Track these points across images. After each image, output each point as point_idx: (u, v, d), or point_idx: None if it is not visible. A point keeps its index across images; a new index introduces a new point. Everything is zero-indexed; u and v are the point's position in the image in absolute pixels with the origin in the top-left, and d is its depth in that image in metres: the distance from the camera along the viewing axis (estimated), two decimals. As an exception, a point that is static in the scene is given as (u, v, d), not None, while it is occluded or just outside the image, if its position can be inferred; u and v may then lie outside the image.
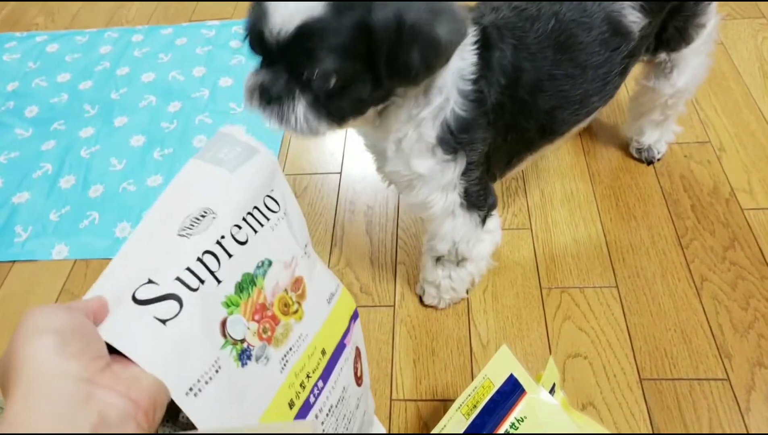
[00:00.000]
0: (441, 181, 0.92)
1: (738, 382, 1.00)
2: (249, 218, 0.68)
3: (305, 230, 0.77)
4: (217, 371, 0.59)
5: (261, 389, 0.67)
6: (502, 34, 0.89)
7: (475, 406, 0.81)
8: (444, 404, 1.03)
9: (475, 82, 0.85)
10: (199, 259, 0.60)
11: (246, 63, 1.79)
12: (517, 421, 0.81)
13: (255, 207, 0.69)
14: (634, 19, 0.95)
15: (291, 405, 0.71)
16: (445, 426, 0.79)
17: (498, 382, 0.82)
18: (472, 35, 0.85)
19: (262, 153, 0.72)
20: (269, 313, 0.69)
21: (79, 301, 0.52)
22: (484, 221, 1.01)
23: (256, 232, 0.68)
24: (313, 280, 0.79)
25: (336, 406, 0.80)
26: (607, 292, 1.16)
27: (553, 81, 0.93)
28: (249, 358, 0.65)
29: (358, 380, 0.88)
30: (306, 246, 0.79)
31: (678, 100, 1.23)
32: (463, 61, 0.85)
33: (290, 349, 0.72)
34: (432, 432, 0.78)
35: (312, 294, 0.78)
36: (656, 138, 1.34)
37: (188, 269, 0.59)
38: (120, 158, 1.55)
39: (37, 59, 1.91)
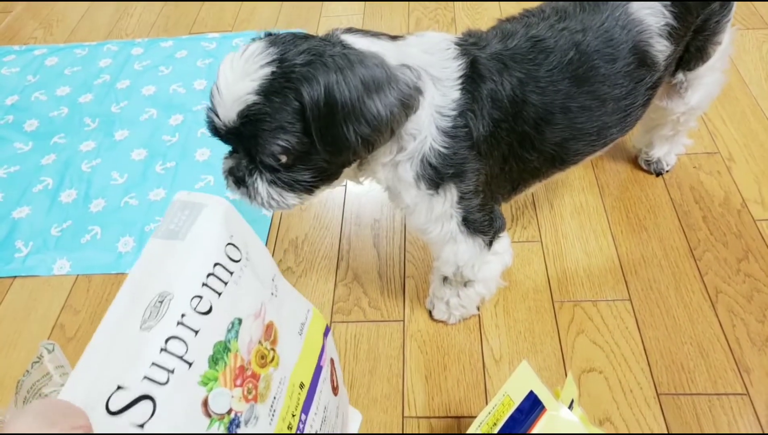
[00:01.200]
0: (431, 213, 0.90)
1: (758, 396, 0.99)
2: (210, 281, 0.65)
3: (269, 260, 0.75)
4: None
5: None
6: (505, 66, 0.86)
7: (495, 424, 0.79)
8: (458, 421, 1.01)
9: (457, 117, 0.83)
10: (164, 350, 0.58)
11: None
12: (538, 439, 0.79)
13: (216, 264, 0.66)
14: (661, 48, 0.93)
15: None
16: (465, 445, 0.77)
17: (518, 399, 0.80)
18: (457, 69, 0.83)
19: (210, 204, 0.70)
20: (249, 373, 0.67)
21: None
22: (490, 244, 0.98)
23: (219, 294, 0.65)
24: (282, 319, 0.77)
25: (321, 428, 0.80)
26: (621, 305, 1.14)
27: (567, 114, 0.90)
28: (238, 425, 0.63)
29: (335, 390, 0.87)
30: (273, 279, 0.77)
31: (690, 117, 1.22)
32: (444, 97, 0.83)
33: (275, 398, 0.71)
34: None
35: (284, 335, 0.76)
36: (666, 151, 1.33)
37: (154, 364, 0.57)
38: (121, 172, 1.53)
39: (36, 73, 1.89)
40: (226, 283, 0.66)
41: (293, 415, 0.74)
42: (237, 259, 0.69)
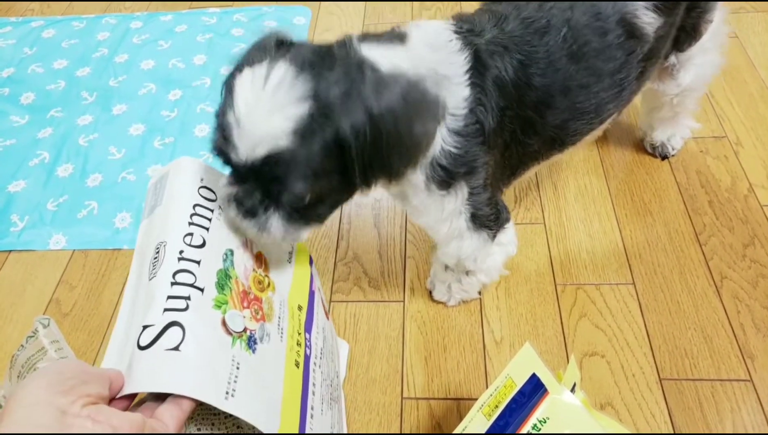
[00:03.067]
0: (441, 213, 0.88)
1: (762, 383, 0.98)
2: (195, 220, 0.70)
3: None
4: (237, 367, 0.62)
5: (275, 363, 0.71)
6: (506, 49, 0.83)
7: (496, 407, 0.78)
8: (457, 403, 1.00)
9: (468, 114, 0.80)
10: (174, 283, 0.63)
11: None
12: (540, 422, 0.78)
13: (195, 205, 0.72)
14: (648, 20, 0.91)
15: (297, 365, 0.76)
16: (466, 427, 0.76)
17: (520, 382, 0.79)
18: (464, 62, 0.79)
19: (173, 166, 0.76)
20: (251, 296, 0.73)
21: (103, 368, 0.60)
22: (495, 236, 0.96)
23: (207, 229, 0.71)
24: (269, 248, 0.83)
25: (323, 347, 0.86)
26: (624, 289, 1.12)
27: (567, 94, 0.87)
28: (255, 342, 0.68)
29: (327, 315, 0.94)
30: None
31: (685, 99, 1.20)
32: (454, 96, 0.79)
33: (279, 317, 0.77)
34: (453, 432, 0.75)
35: (273, 263, 0.82)
36: (669, 134, 1.31)
37: (170, 297, 0.62)
38: (119, 147, 1.51)
39: (33, 45, 1.86)
40: (210, 220, 0.72)
41: (299, 333, 0.79)
42: (213, 198, 0.75)
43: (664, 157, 1.33)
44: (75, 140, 1.53)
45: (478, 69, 0.80)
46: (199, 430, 0.66)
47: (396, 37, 0.79)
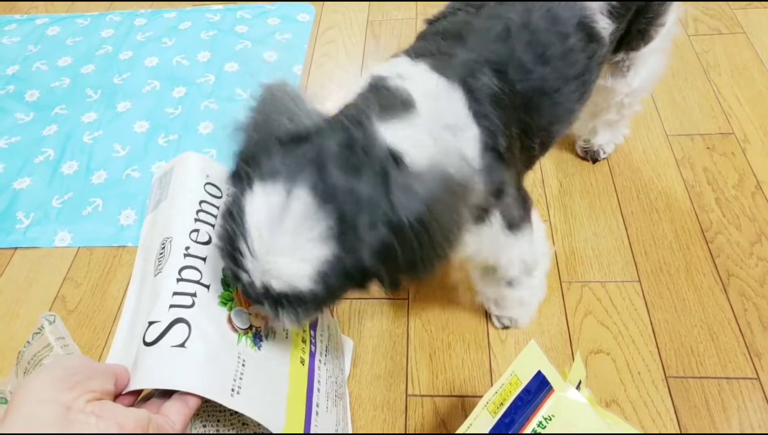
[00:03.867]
0: (481, 243, 0.84)
1: (769, 381, 0.97)
2: (201, 216, 0.70)
3: None
4: (243, 365, 0.63)
5: (280, 361, 0.72)
6: (480, 63, 0.80)
7: (502, 404, 0.77)
8: (462, 400, 1.00)
9: (484, 151, 0.76)
10: (180, 279, 0.63)
11: (252, 48, 1.74)
12: (545, 419, 0.77)
13: (201, 201, 0.72)
14: (604, 25, 0.90)
15: (302, 362, 0.76)
16: (471, 425, 0.75)
17: (525, 379, 0.79)
18: (461, 99, 0.75)
19: (179, 161, 0.76)
20: None
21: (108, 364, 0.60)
22: (530, 221, 0.93)
23: (213, 226, 0.71)
24: None
25: (328, 345, 0.87)
26: (629, 286, 1.12)
27: (545, 95, 0.86)
28: (261, 339, 0.69)
29: (332, 313, 0.94)
30: None
31: (633, 100, 1.19)
32: (467, 141, 0.75)
33: None
34: (458, 432, 0.75)
35: None
36: (607, 139, 1.30)
37: (176, 293, 0.62)
38: (123, 144, 1.51)
39: (37, 42, 1.86)
40: (215, 216, 0.72)
41: (304, 331, 0.80)
42: (219, 195, 0.75)
43: (595, 161, 1.33)
44: (80, 137, 1.53)
45: (473, 98, 0.77)
46: (204, 427, 0.66)
47: (402, 104, 0.72)
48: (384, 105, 0.71)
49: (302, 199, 0.58)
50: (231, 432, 0.68)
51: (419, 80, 0.77)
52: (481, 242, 0.85)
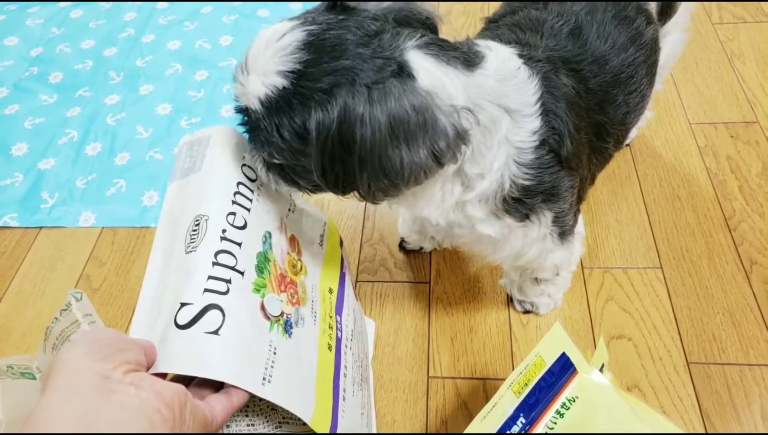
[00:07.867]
0: (526, 239, 0.83)
1: (791, 368, 0.97)
2: (238, 199, 0.69)
3: None
4: (275, 353, 0.62)
5: (309, 348, 0.71)
6: (557, 63, 0.80)
7: (526, 384, 0.78)
8: (483, 383, 1.00)
9: (539, 147, 0.75)
10: (216, 263, 0.62)
11: (274, 33, 1.75)
12: (569, 401, 0.78)
13: (239, 183, 0.70)
14: (653, 5, 0.92)
15: (330, 348, 0.76)
16: (495, 404, 0.76)
17: (550, 361, 0.79)
18: (534, 91, 0.73)
19: (216, 133, 0.74)
20: (288, 280, 0.73)
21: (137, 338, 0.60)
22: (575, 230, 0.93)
23: (249, 210, 0.70)
24: (302, 232, 0.83)
25: (353, 329, 0.86)
26: (651, 273, 1.12)
27: (619, 86, 0.86)
28: (291, 326, 0.68)
29: (356, 295, 0.95)
30: (290, 195, 0.82)
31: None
32: (522, 130, 0.73)
33: (312, 301, 0.77)
34: (482, 411, 0.75)
35: (306, 246, 0.82)
36: None
37: (211, 278, 0.61)
38: (146, 126, 1.52)
39: (60, 25, 1.88)
40: (251, 200, 0.71)
41: (330, 317, 0.79)
42: (253, 178, 0.73)
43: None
44: (103, 119, 1.55)
45: (550, 94, 0.76)
46: (251, 425, 0.65)
47: (470, 56, 0.70)
48: (443, 47, 0.68)
49: (296, 35, 0.63)
50: (272, 434, 0.66)
51: (504, 57, 0.74)
52: (525, 244, 0.84)
